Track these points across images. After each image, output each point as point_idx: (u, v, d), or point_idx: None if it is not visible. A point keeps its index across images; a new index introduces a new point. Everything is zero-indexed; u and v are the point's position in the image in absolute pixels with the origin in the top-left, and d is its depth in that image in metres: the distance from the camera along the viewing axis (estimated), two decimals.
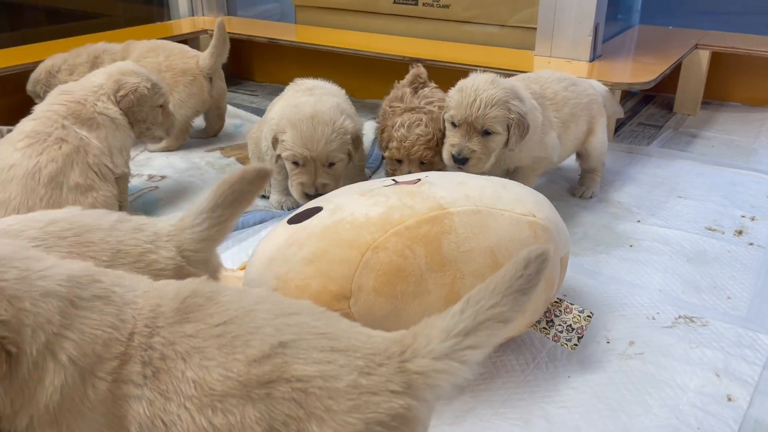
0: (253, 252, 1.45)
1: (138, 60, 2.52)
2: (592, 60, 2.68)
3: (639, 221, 2.10)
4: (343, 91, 2.21)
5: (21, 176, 1.73)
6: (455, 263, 1.32)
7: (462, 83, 1.91)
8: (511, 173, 2.05)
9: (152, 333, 0.94)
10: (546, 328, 1.45)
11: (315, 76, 2.31)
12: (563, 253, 1.49)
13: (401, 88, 2.20)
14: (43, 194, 1.73)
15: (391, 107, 2.15)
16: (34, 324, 0.89)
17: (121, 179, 1.99)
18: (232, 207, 1.21)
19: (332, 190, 1.85)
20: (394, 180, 1.52)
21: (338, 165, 1.97)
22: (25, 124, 1.85)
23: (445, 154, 1.91)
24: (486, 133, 1.86)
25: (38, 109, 1.90)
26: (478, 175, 1.57)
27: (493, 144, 1.89)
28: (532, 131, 1.92)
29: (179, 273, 1.19)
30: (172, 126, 2.16)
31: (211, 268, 1.24)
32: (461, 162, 1.87)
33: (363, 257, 1.29)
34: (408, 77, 2.21)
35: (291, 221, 1.44)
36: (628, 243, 1.97)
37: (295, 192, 2.00)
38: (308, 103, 1.98)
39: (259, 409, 0.88)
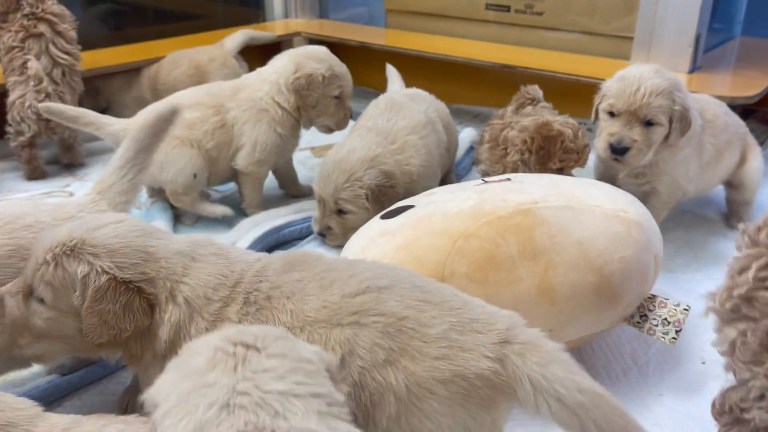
0: (346, 245, 1.49)
1: (168, 75, 2.76)
2: (691, 71, 2.60)
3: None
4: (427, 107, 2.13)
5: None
6: (547, 253, 1.33)
7: (623, 72, 1.83)
8: (643, 198, 1.97)
9: (260, 279, 1.04)
10: (640, 322, 1.41)
11: (404, 79, 2.34)
12: (657, 251, 1.47)
13: (510, 105, 2.15)
14: None
15: (489, 124, 2.12)
16: (165, 276, 1.04)
17: (248, 176, 2.09)
18: (152, 149, 1.37)
19: (337, 239, 1.91)
20: (484, 180, 1.54)
21: (349, 216, 1.88)
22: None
23: (602, 144, 1.80)
24: (648, 123, 1.77)
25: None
26: (569, 177, 1.57)
27: (655, 136, 1.78)
28: (692, 132, 1.81)
29: None
30: (344, 120, 2.17)
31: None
32: (620, 152, 1.77)
33: (455, 244, 1.32)
34: (514, 97, 2.15)
35: (383, 217, 1.48)
36: (724, 262, 1.89)
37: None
38: (345, 146, 1.93)
39: (345, 333, 0.95)
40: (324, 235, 1.94)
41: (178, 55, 2.84)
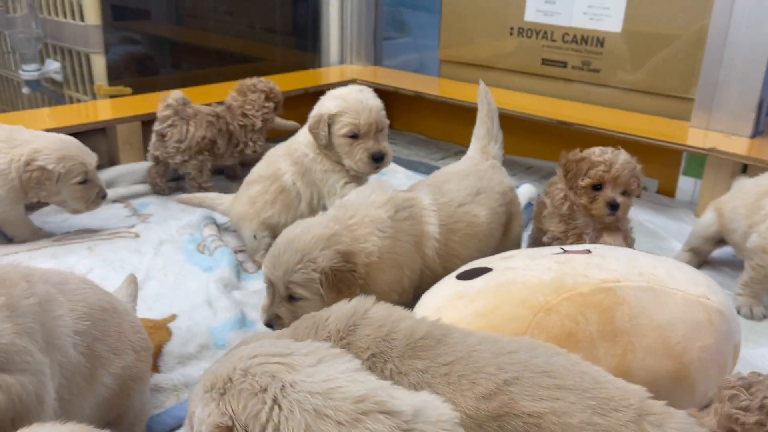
0: (419, 302, 1.49)
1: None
2: (753, 136, 2.57)
3: None
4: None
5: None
6: (627, 335, 1.30)
7: None
8: None
9: (385, 360, 1.08)
10: None
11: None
12: (737, 339, 1.44)
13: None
14: None
15: (548, 193, 2.05)
16: None
17: None
18: None
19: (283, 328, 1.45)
20: (562, 249, 1.53)
21: (301, 303, 1.59)
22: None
23: None
24: None
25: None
26: (648, 253, 1.55)
27: None
28: None
29: None
30: (362, 162, 2.01)
31: None
32: None
33: (535, 317, 1.31)
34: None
35: (459, 277, 1.47)
36: None
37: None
38: (301, 224, 1.67)
39: None
40: (272, 326, 1.62)
41: None
